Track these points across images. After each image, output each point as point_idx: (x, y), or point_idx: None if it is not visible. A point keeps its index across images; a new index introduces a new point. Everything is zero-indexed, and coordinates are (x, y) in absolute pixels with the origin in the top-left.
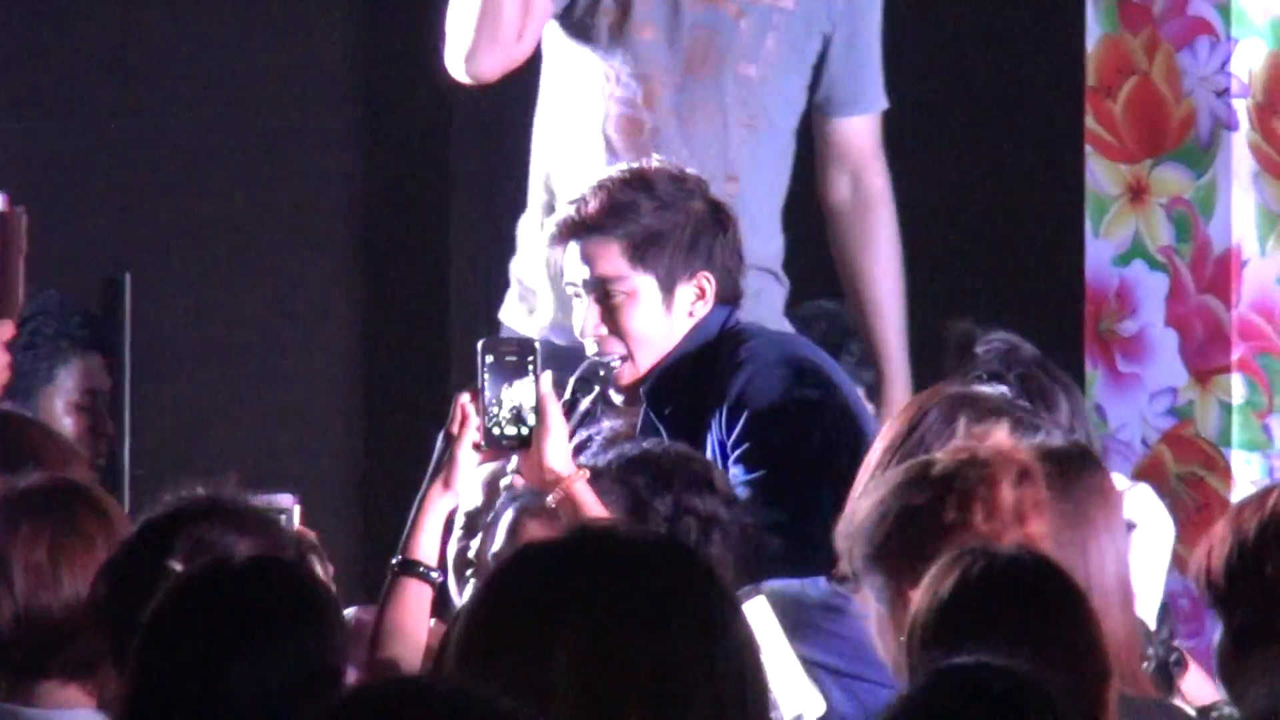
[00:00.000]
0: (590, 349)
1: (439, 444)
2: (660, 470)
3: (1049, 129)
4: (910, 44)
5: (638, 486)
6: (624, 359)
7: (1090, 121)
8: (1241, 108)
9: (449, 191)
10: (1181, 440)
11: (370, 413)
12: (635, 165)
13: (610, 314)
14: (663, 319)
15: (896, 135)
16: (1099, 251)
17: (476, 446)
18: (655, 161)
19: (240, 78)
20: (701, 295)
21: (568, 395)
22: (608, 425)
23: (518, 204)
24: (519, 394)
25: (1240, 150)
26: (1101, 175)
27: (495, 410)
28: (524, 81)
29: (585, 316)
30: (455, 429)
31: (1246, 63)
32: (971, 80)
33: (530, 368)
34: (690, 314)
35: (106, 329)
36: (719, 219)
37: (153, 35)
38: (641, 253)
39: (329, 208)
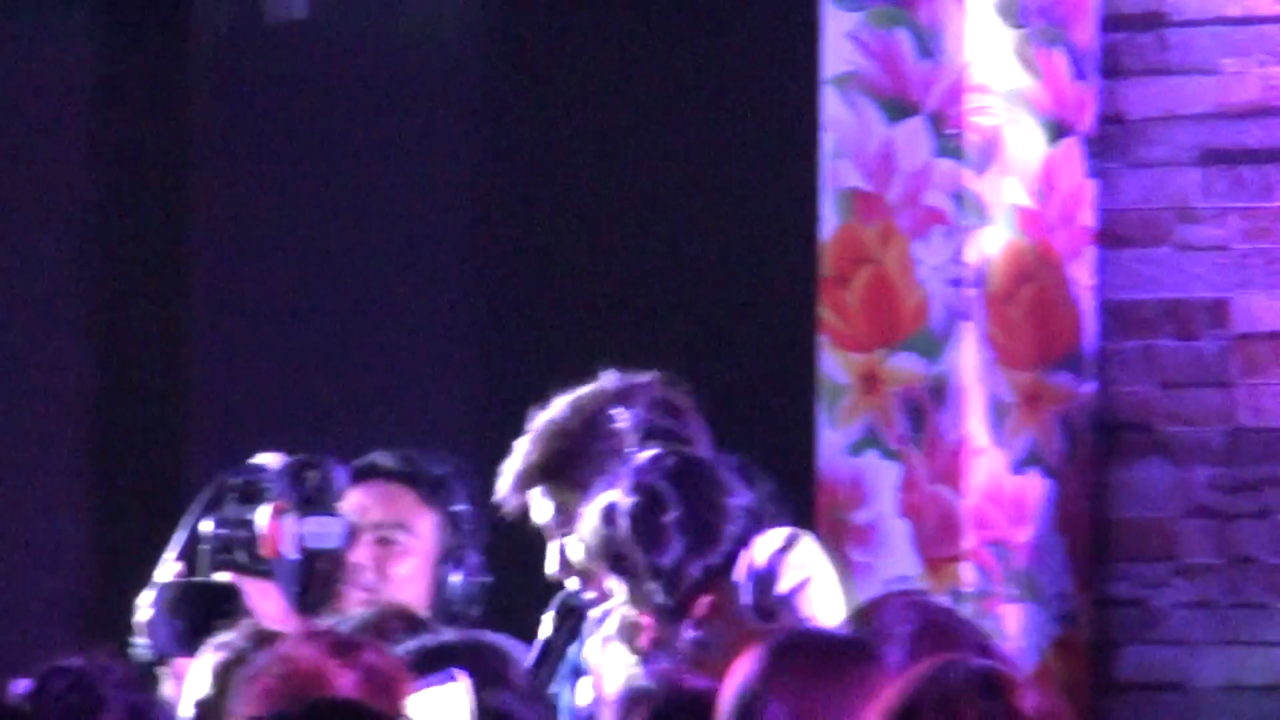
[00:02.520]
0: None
1: None
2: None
3: (783, 318)
4: (651, 236)
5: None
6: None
7: (824, 310)
8: (975, 297)
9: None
10: None
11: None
12: (574, 399)
13: (569, 554)
14: None
15: (633, 327)
16: (832, 441)
17: None
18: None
19: None
20: None
21: (547, 631)
22: None
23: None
24: None
25: (973, 340)
26: (835, 364)
27: None
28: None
29: (553, 560)
30: None
31: (980, 252)
32: (708, 267)
33: None
34: None
35: None
36: (671, 421)
37: None
38: (588, 493)
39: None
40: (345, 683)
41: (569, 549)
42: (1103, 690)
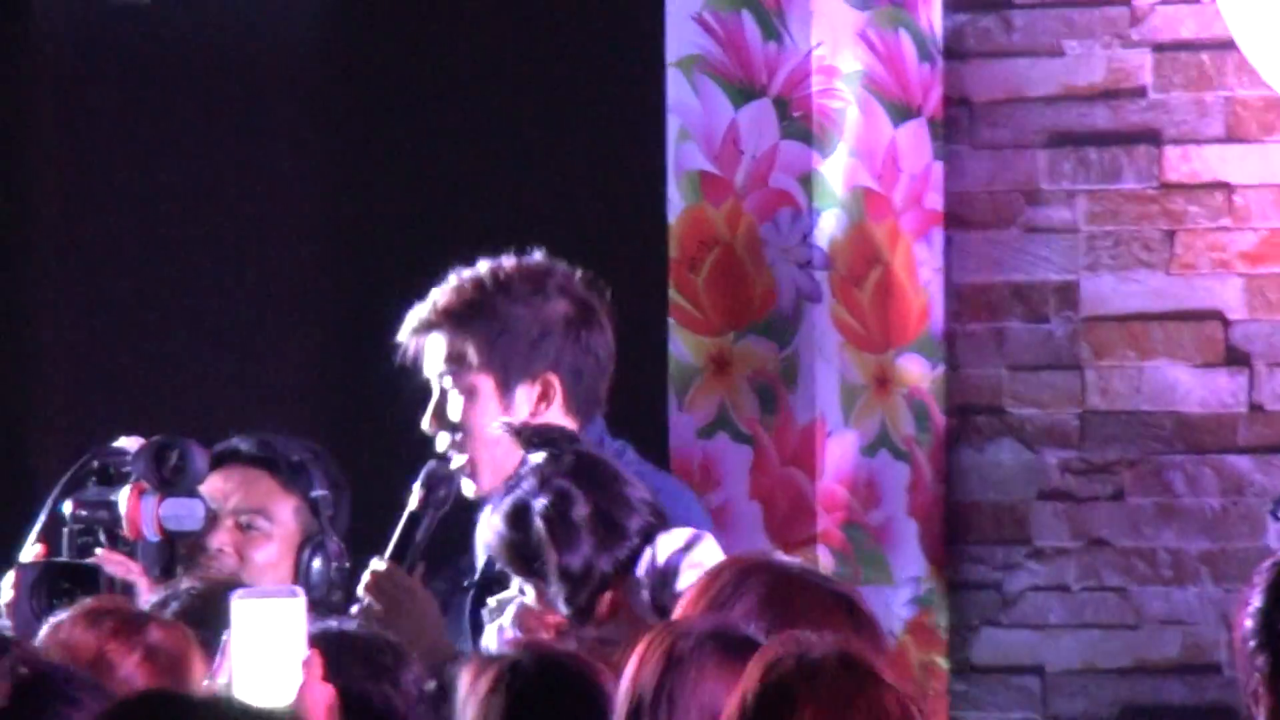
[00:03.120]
0: (438, 445)
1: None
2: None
3: (633, 301)
4: (499, 223)
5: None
6: (467, 463)
7: (674, 294)
8: (824, 279)
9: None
10: None
11: None
12: (495, 261)
13: (449, 409)
14: (498, 418)
15: None
16: (683, 424)
17: None
18: (517, 259)
19: None
20: (544, 398)
21: (413, 504)
22: None
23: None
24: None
25: (823, 321)
26: (685, 347)
27: None
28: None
29: (429, 410)
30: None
31: (828, 234)
32: (556, 252)
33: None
34: (532, 414)
35: None
36: (584, 319)
37: None
38: (485, 350)
39: None
40: (128, 663)
41: (450, 405)
42: (958, 673)
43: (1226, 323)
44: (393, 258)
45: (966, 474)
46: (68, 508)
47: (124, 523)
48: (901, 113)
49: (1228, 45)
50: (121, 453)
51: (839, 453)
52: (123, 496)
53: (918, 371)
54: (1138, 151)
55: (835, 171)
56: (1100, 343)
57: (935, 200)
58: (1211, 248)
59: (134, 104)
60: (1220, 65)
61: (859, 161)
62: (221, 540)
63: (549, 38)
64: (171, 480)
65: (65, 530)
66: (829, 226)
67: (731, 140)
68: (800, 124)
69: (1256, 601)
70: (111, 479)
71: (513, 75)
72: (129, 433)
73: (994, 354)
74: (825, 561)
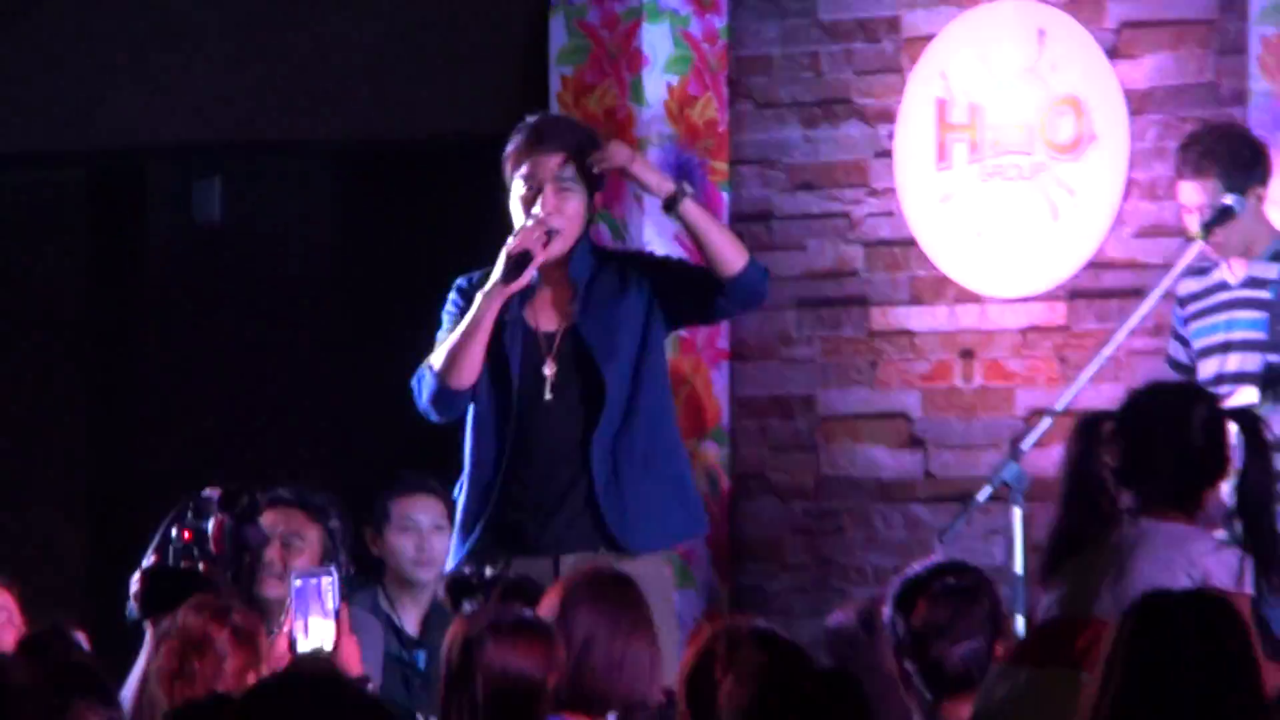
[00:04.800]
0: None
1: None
2: None
3: None
4: None
5: None
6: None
7: None
8: None
9: None
10: None
11: None
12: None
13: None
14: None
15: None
16: None
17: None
18: None
19: None
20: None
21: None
22: None
23: None
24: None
25: None
26: None
27: None
28: None
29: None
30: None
31: None
32: None
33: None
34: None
35: None
36: None
37: None
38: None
39: None
40: (221, 637)
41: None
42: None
43: (910, 420)
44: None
45: (743, 518)
46: (174, 531)
47: (211, 542)
48: None
49: (911, 243)
50: (208, 497)
51: None
52: (211, 525)
53: (713, 452)
54: (853, 311)
55: None
56: (829, 432)
57: (723, 342)
58: (901, 373)
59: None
60: (906, 255)
61: None
62: (272, 554)
63: None
64: (240, 515)
65: (171, 548)
66: None
67: None
68: None
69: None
70: (201, 514)
71: None
72: (211, 484)
73: (760, 441)
74: None
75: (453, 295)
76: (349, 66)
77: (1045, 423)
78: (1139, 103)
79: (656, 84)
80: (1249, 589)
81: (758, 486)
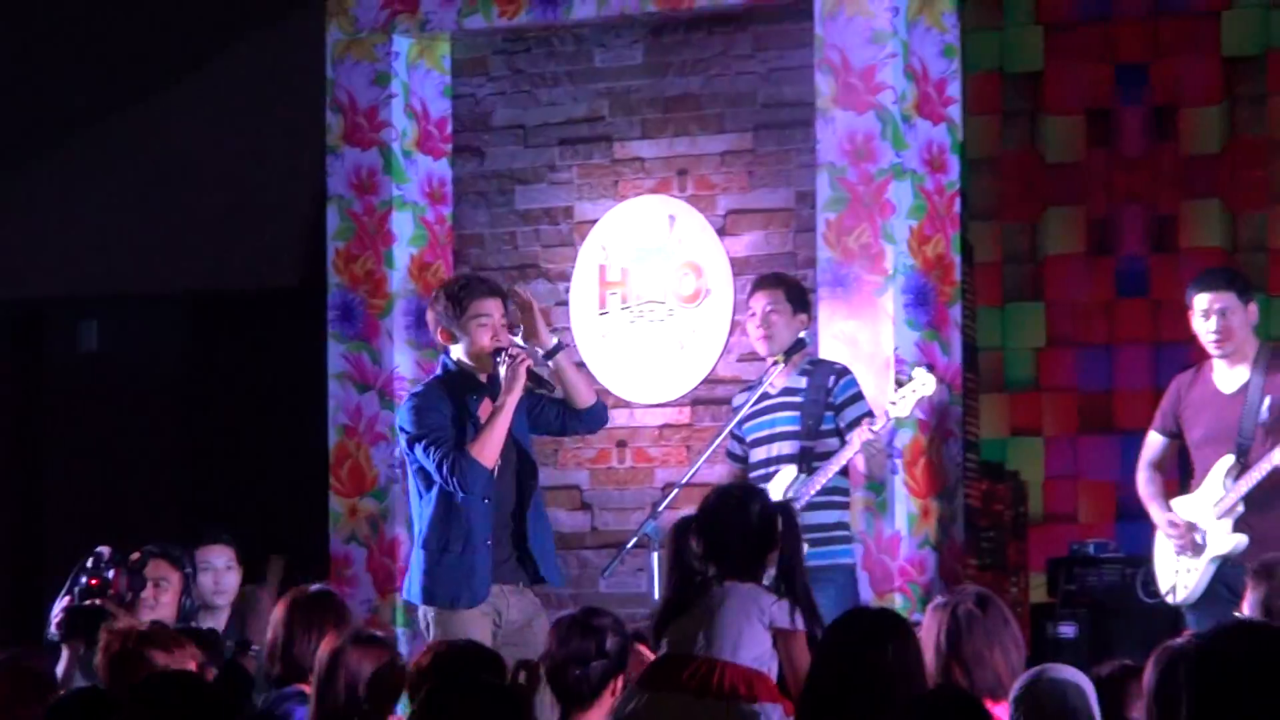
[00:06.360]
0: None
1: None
2: None
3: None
4: None
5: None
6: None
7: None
8: None
9: None
10: None
11: None
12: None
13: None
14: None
15: None
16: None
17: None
18: None
19: None
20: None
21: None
22: None
23: None
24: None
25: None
26: (338, 504)
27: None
28: None
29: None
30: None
31: None
32: None
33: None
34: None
35: None
36: None
37: None
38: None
39: None
40: (129, 645)
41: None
42: None
43: (581, 490)
44: None
45: None
46: (82, 580)
47: (111, 586)
48: None
49: (581, 365)
50: (101, 553)
51: None
52: (113, 574)
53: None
54: None
55: None
56: None
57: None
58: (575, 457)
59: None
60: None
61: None
62: (148, 592)
63: None
64: (131, 567)
65: (79, 590)
66: None
67: None
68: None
69: (1151, 681)
70: (98, 566)
71: None
72: (106, 543)
73: None
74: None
75: (420, 404)
76: (191, 231)
77: (675, 492)
78: (740, 266)
79: (403, 254)
80: (801, 627)
81: None
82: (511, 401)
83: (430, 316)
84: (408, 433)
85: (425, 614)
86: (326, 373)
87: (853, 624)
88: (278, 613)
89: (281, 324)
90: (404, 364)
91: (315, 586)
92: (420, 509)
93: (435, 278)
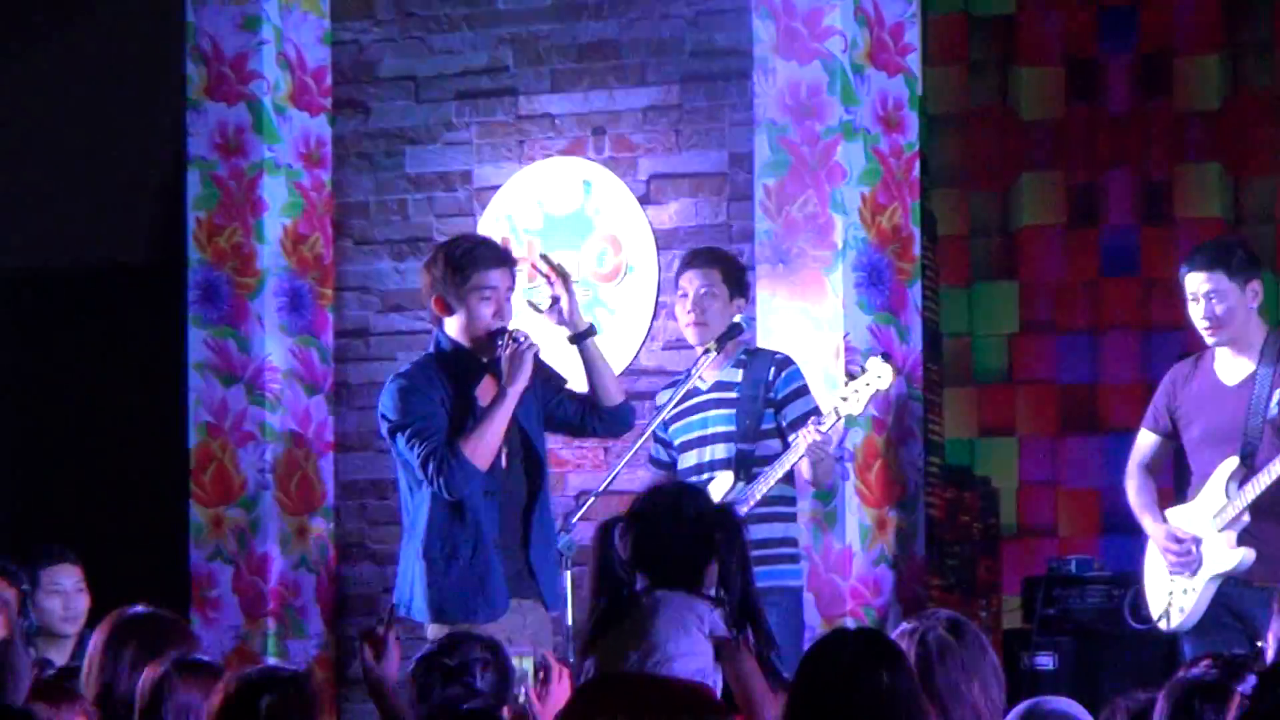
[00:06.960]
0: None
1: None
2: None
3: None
4: None
5: None
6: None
7: None
8: None
9: None
10: None
11: None
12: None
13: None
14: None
15: None
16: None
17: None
18: None
19: None
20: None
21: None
22: None
23: None
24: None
25: None
26: (199, 514)
27: None
28: None
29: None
30: None
31: None
32: None
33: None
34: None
35: None
36: None
37: None
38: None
39: None
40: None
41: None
42: (340, 683)
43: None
44: None
45: (345, 580)
46: None
47: None
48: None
49: None
50: None
51: None
52: None
53: (321, 526)
54: None
55: None
56: None
57: (329, 435)
58: None
59: None
60: None
61: None
62: None
63: None
64: None
65: None
66: None
67: None
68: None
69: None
70: None
71: None
72: None
73: (360, 517)
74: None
75: (406, 387)
76: (26, 200)
77: (590, 501)
78: (665, 240)
79: (275, 225)
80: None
81: (359, 554)
82: (514, 395)
83: (425, 280)
84: (389, 420)
85: (436, 634)
86: (186, 362)
87: (836, 648)
88: (96, 640)
89: (132, 306)
90: (276, 352)
91: (137, 608)
92: (414, 509)
93: (311, 252)
